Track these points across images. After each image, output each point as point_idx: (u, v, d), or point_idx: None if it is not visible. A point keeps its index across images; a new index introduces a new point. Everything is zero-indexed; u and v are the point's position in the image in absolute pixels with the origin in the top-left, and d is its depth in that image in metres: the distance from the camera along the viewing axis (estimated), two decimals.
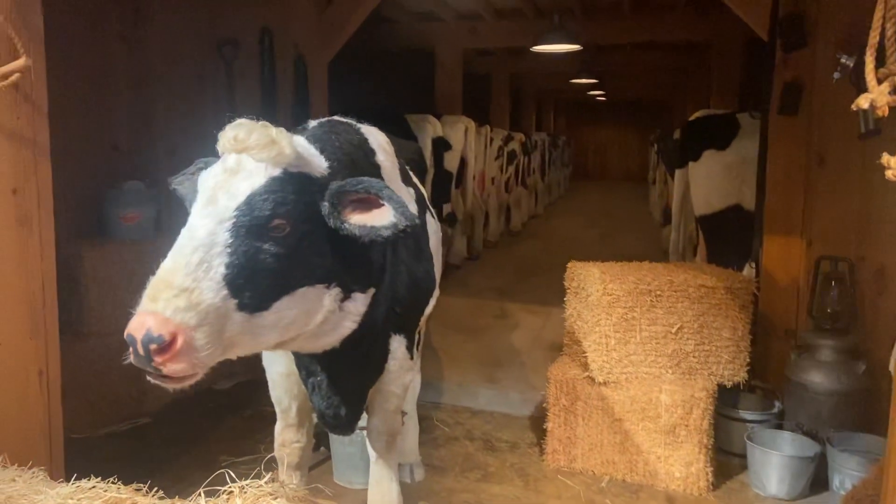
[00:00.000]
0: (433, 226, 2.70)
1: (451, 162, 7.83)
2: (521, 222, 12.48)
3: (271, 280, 1.69)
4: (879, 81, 1.55)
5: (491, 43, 10.60)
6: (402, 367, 2.46)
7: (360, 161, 2.13)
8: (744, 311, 3.65)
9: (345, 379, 2.24)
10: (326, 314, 1.89)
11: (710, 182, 5.41)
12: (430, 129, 7.30)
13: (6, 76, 2.31)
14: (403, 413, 3.02)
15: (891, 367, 2.64)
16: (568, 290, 3.93)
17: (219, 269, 1.62)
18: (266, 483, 1.77)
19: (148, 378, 1.61)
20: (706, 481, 3.50)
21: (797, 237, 4.13)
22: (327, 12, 5.41)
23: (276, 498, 1.71)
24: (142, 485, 1.87)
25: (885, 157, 1.47)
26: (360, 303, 2.01)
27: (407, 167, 2.74)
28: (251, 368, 3.45)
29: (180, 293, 1.55)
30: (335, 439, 3.51)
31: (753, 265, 4.33)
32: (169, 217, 4.45)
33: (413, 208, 2.44)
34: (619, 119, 27.62)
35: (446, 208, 7.96)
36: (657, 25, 9.18)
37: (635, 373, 3.62)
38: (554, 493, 3.53)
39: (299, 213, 1.74)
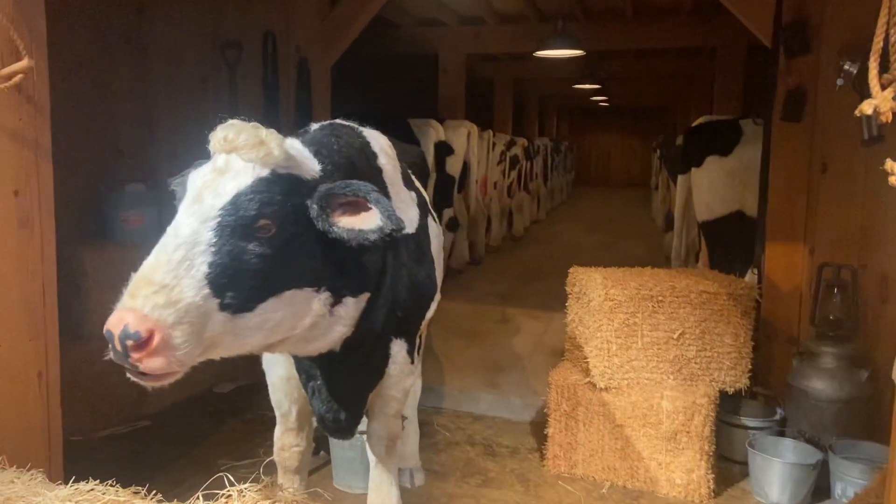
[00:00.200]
0: (435, 230, 2.70)
1: (453, 166, 7.84)
2: (523, 227, 12.47)
3: (256, 281, 1.68)
4: (883, 87, 1.55)
5: (494, 48, 10.61)
6: (402, 372, 2.45)
7: (360, 164, 2.13)
8: (746, 317, 3.64)
9: (345, 383, 2.23)
10: (316, 318, 1.87)
11: (712, 188, 5.41)
12: (432, 133, 7.30)
13: (8, 77, 2.32)
14: (404, 417, 3.01)
15: (893, 375, 2.63)
16: (569, 296, 3.92)
17: (201, 267, 1.60)
18: (264, 487, 1.76)
19: (128, 375, 1.59)
20: (707, 488, 3.49)
21: (800, 244, 4.12)
22: (331, 16, 5.42)
23: (274, 502, 1.71)
24: (140, 487, 1.87)
25: (889, 163, 1.46)
26: (351, 307, 1.99)
27: (409, 171, 2.74)
28: (252, 372, 3.45)
29: (160, 290, 1.54)
30: (335, 443, 3.50)
31: (756, 271, 4.32)
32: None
33: (414, 212, 2.45)
34: (621, 125, 27.62)
35: (448, 213, 7.96)
36: (660, 31, 9.19)
37: (636, 378, 3.61)
38: (554, 498, 3.51)
39: (286, 215, 1.73)
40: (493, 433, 4.29)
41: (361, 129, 2.38)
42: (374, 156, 2.31)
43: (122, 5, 4.78)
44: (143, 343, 1.49)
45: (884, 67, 1.59)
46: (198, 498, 1.72)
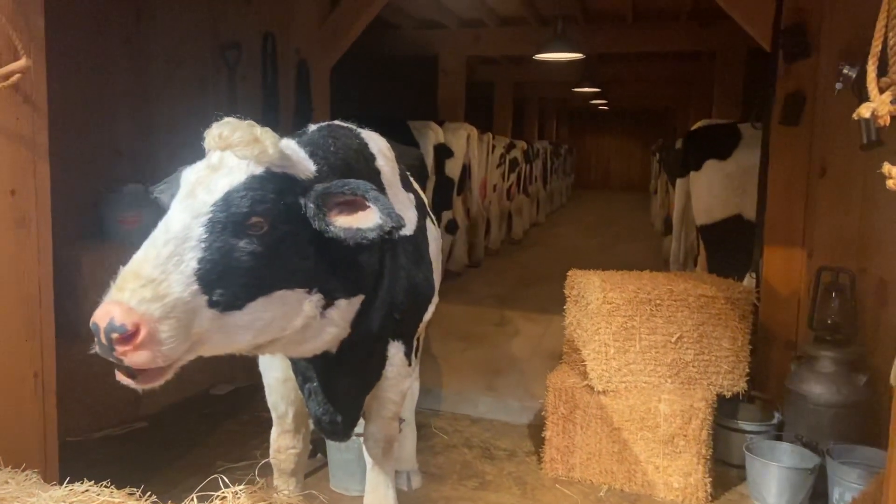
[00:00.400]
0: (433, 232, 2.69)
1: (452, 169, 7.84)
2: (522, 230, 12.47)
3: (246, 279, 1.66)
4: (881, 91, 1.55)
5: (494, 50, 10.61)
6: (399, 374, 2.44)
7: (357, 165, 2.12)
8: (744, 321, 3.64)
9: (342, 385, 2.23)
10: (306, 320, 1.85)
11: (711, 192, 5.41)
12: (431, 135, 7.31)
13: (6, 77, 2.31)
14: (401, 420, 3.01)
15: (892, 380, 2.62)
16: (568, 299, 3.92)
17: (190, 263, 1.59)
18: (259, 488, 1.76)
19: (117, 377, 1.58)
20: (704, 492, 3.48)
21: (798, 248, 4.12)
22: (330, 18, 5.42)
23: (268, 503, 1.70)
24: (135, 489, 1.86)
25: (886, 167, 1.46)
26: (344, 310, 1.97)
27: (408, 173, 2.73)
28: (249, 374, 3.44)
29: (147, 284, 1.52)
30: (332, 446, 3.50)
31: (754, 275, 4.32)
32: None
33: (412, 214, 2.45)
34: (621, 128, 27.64)
35: (447, 215, 7.96)
36: (660, 35, 9.20)
37: (634, 382, 3.61)
38: (551, 501, 3.51)
39: (279, 213, 1.72)
40: (490, 436, 4.29)
41: (359, 130, 2.37)
42: (372, 157, 2.30)
43: (122, 6, 4.77)
44: (128, 336, 1.48)
45: (882, 71, 1.59)
46: (192, 499, 1.71)
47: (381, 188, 2.21)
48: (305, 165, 1.87)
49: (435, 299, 2.68)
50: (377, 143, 2.40)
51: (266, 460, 2.67)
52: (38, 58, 2.46)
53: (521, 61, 12.29)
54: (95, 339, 1.51)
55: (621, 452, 3.59)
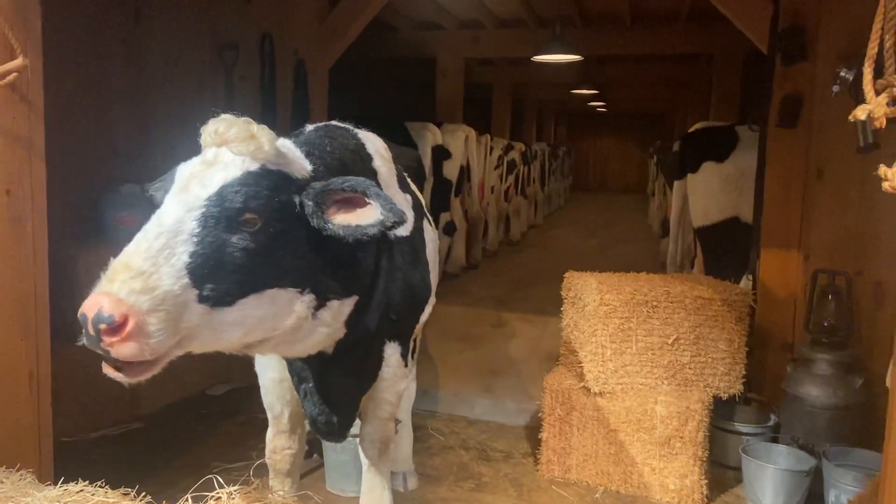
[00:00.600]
0: (430, 233, 2.69)
1: (450, 170, 7.83)
2: (520, 232, 12.47)
3: (238, 275, 1.65)
4: (878, 93, 1.55)
5: (492, 52, 10.62)
6: (396, 375, 2.44)
7: (354, 166, 2.12)
8: (740, 323, 3.64)
9: (337, 385, 2.22)
10: (298, 321, 1.83)
11: (708, 194, 5.41)
12: (429, 137, 7.31)
13: (3, 76, 2.31)
14: (397, 421, 3.00)
15: (888, 382, 2.63)
16: (565, 300, 3.92)
17: (182, 256, 1.58)
18: (254, 489, 1.75)
19: (104, 370, 1.57)
20: (701, 494, 3.48)
21: (795, 250, 4.12)
22: (329, 19, 5.42)
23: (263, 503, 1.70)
24: (130, 489, 1.86)
25: (882, 169, 1.46)
26: (336, 311, 1.95)
27: (405, 174, 2.73)
28: (246, 374, 3.44)
29: (137, 276, 1.51)
30: (328, 447, 3.49)
31: (750, 277, 4.32)
32: None
33: (409, 215, 2.44)
34: (619, 130, 27.68)
35: (445, 217, 7.95)
36: (658, 37, 9.22)
37: (631, 383, 3.61)
38: (548, 503, 3.50)
39: (273, 211, 1.71)
40: (487, 437, 4.28)
41: (357, 131, 2.37)
42: (369, 158, 2.30)
43: (120, 6, 4.77)
44: (116, 328, 1.46)
45: (878, 73, 1.59)
46: (187, 500, 1.71)
47: None
48: (301, 164, 1.87)
49: (432, 300, 2.68)
50: (374, 144, 2.40)
51: (262, 461, 2.66)
52: (35, 57, 2.46)
53: (519, 63, 12.30)
54: (83, 330, 1.49)
55: (618, 454, 3.59)
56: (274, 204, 1.72)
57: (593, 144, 28.66)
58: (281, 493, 2.15)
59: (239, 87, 5.24)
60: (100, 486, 1.86)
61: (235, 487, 1.75)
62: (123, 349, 1.49)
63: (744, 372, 3.68)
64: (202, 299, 1.60)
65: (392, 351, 2.38)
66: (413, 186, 2.77)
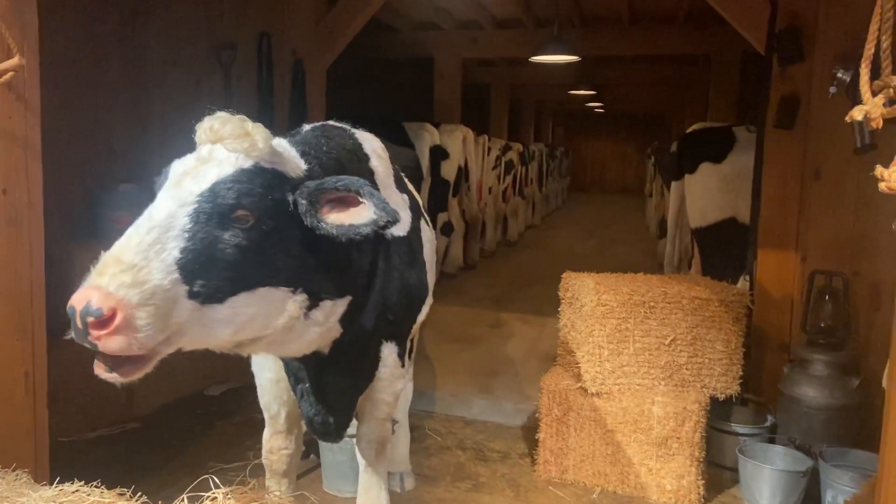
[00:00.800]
0: (427, 233, 2.69)
1: (448, 171, 7.83)
2: (517, 232, 12.48)
3: (229, 272, 1.64)
4: (874, 93, 1.55)
5: (490, 53, 10.63)
6: (393, 375, 2.44)
7: (351, 166, 2.11)
8: (737, 323, 3.64)
9: (334, 386, 2.22)
10: (289, 320, 1.82)
11: (705, 195, 5.42)
12: (427, 137, 7.30)
13: None
14: (394, 421, 3.00)
15: (884, 383, 2.63)
16: (562, 301, 3.92)
17: (172, 251, 1.57)
18: (250, 489, 1.75)
19: (97, 372, 1.56)
20: (697, 494, 3.48)
21: (792, 251, 4.13)
22: (326, 18, 5.42)
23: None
24: (125, 489, 1.85)
25: (879, 170, 1.46)
26: (329, 311, 1.94)
27: (402, 174, 2.73)
28: (243, 375, 3.43)
29: (127, 269, 1.50)
30: (325, 447, 3.49)
31: (748, 278, 4.33)
32: None
33: (406, 215, 2.44)
34: (617, 131, 27.69)
35: (443, 217, 7.95)
36: (656, 38, 9.23)
37: (628, 384, 3.61)
38: None
39: (266, 208, 1.70)
40: (484, 438, 4.28)
41: (354, 131, 2.37)
42: (366, 158, 2.30)
43: (117, 5, 4.76)
44: (104, 321, 1.45)
45: (875, 74, 1.59)
46: (182, 500, 1.70)
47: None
48: (296, 163, 1.86)
49: (429, 301, 2.67)
50: (371, 144, 2.40)
51: (258, 461, 2.66)
52: (31, 56, 2.45)
53: (517, 63, 12.31)
54: (71, 324, 1.48)
55: (614, 455, 3.59)
56: (267, 202, 1.71)
57: (591, 145, 28.68)
58: (277, 493, 2.15)
59: (236, 87, 5.24)
60: (96, 487, 1.86)
61: (231, 488, 1.75)
62: (111, 343, 1.48)
63: (741, 372, 3.68)
64: (192, 295, 1.59)
65: (389, 351, 2.38)
66: (410, 187, 2.77)
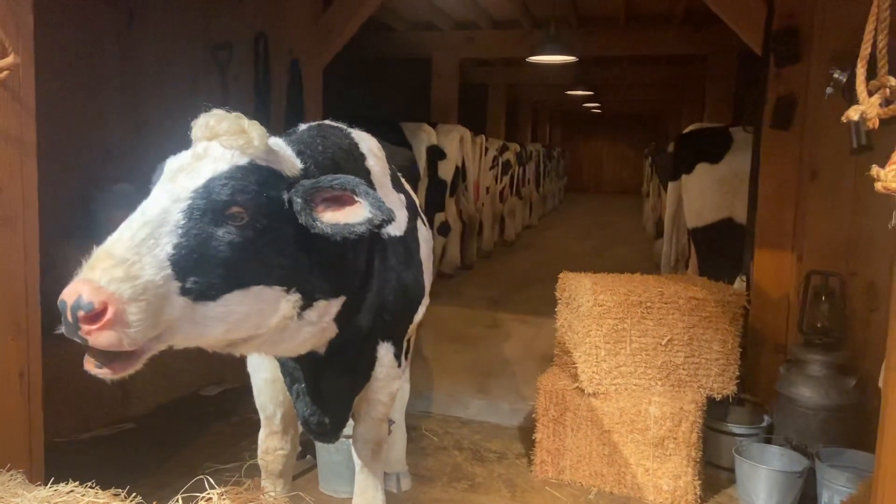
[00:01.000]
0: (424, 233, 2.68)
1: (445, 171, 7.82)
2: (514, 233, 12.47)
3: (222, 269, 1.63)
4: (870, 93, 1.55)
5: (487, 53, 10.63)
6: (389, 375, 2.43)
7: (347, 165, 2.11)
8: (734, 324, 3.64)
9: (330, 386, 2.21)
10: (283, 320, 1.80)
11: (702, 195, 5.42)
12: (424, 137, 7.29)
13: None
14: (391, 422, 2.99)
15: (880, 383, 2.63)
16: (559, 301, 3.92)
17: (165, 247, 1.56)
18: (246, 489, 1.74)
19: (87, 368, 1.55)
20: (694, 495, 3.48)
21: (788, 251, 4.13)
22: (323, 18, 5.41)
23: None
24: (120, 490, 1.84)
25: (874, 169, 1.46)
26: (322, 311, 1.93)
27: (399, 174, 2.72)
28: (239, 375, 3.42)
29: (119, 264, 1.49)
30: (321, 448, 3.48)
31: (744, 278, 4.33)
32: None
33: (403, 215, 2.44)
34: (614, 131, 27.71)
35: (440, 217, 7.95)
36: (653, 38, 9.23)
37: (625, 384, 3.61)
38: None
39: (260, 206, 1.69)
40: (481, 438, 4.28)
41: (350, 130, 2.36)
42: (362, 157, 2.29)
43: (114, 5, 4.75)
44: (95, 315, 1.44)
45: (871, 74, 1.59)
46: (177, 500, 1.70)
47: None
48: (292, 162, 1.86)
49: (425, 301, 2.67)
50: (368, 144, 2.39)
51: (254, 462, 2.65)
52: (26, 55, 2.44)
53: (514, 64, 12.31)
54: (62, 318, 1.47)
55: (611, 455, 3.59)
56: (262, 199, 1.70)
57: (588, 145, 28.69)
58: (272, 493, 2.14)
59: (233, 87, 5.23)
60: (90, 487, 1.85)
61: (226, 488, 1.74)
62: (102, 338, 1.47)
63: (737, 373, 3.69)
64: (185, 292, 1.58)
65: (385, 351, 2.37)
66: (407, 186, 2.77)
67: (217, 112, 1.75)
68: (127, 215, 1.66)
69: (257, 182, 1.70)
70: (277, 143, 1.89)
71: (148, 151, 4.91)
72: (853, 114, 1.55)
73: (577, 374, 3.66)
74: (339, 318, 2.03)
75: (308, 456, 3.72)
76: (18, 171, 2.44)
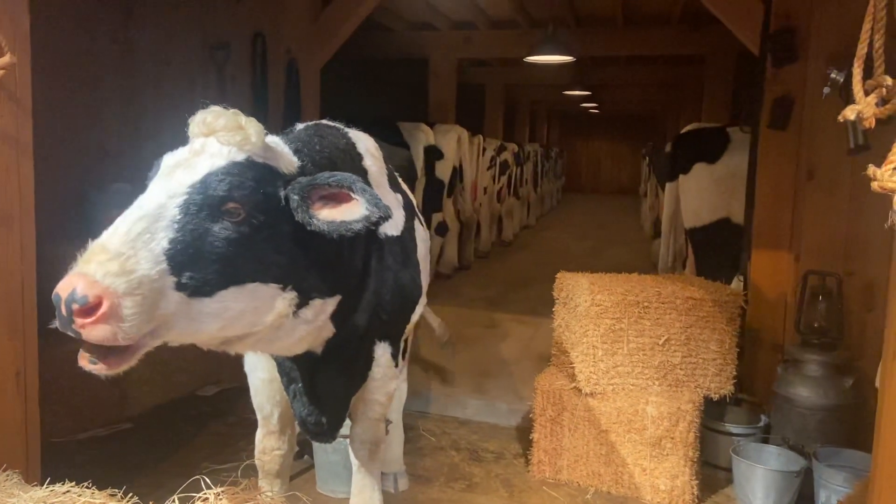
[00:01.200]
0: (421, 233, 2.68)
1: (442, 171, 7.83)
2: (512, 233, 12.48)
3: (218, 265, 1.62)
4: (867, 93, 1.55)
5: (485, 53, 10.63)
6: (386, 375, 2.43)
7: (343, 165, 2.10)
8: (731, 324, 3.64)
9: (327, 386, 2.21)
10: (278, 318, 1.79)
11: (699, 195, 5.42)
12: (422, 137, 7.30)
13: None
14: (388, 422, 2.99)
15: (877, 383, 2.63)
16: (557, 301, 3.91)
17: (161, 242, 1.55)
18: (242, 489, 1.74)
19: (80, 363, 1.54)
20: (691, 494, 3.48)
21: (785, 251, 4.13)
22: (321, 18, 5.41)
23: None
24: (116, 490, 1.84)
25: (871, 169, 1.46)
26: (318, 309, 1.92)
27: (396, 174, 2.72)
28: (236, 375, 3.42)
29: (114, 258, 1.48)
30: (319, 447, 3.48)
31: (742, 278, 4.33)
32: None
33: (400, 214, 2.44)
34: (612, 131, 27.74)
35: (438, 217, 7.95)
36: (650, 39, 9.25)
37: (622, 384, 3.61)
38: None
39: (257, 202, 1.68)
40: (478, 438, 4.28)
41: (347, 130, 2.36)
42: (359, 157, 2.29)
43: (110, 4, 4.74)
44: (89, 308, 1.43)
45: (868, 73, 1.59)
46: (173, 500, 1.69)
47: None
48: (289, 159, 1.85)
49: (423, 301, 2.66)
50: (365, 143, 2.39)
51: (251, 462, 2.65)
52: (23, 55, 2.43)
53: (512, 64, 12.31)
54: (56, 312, 1.46)
55: (608, 455, 3.59)
56: (258, 195, 1.69)
57: (586, 146, 28.71)
58: (269, 493, 2.14)
59: (230, 87, 5.23)
60: (86, 487, 1.84)
61: (223, 488, 1.73)
62: (96, 332, 1.45)
63: (734, 373, 3.69)
64: (180, 287, 1.57)
65: (382, 351, 2.37)
66: (404, 186, 2.76)
67: (214, 108, 1.75)
68: None
69: (254, 178, 1.70)
70: (275, 140, 1.89)
71: (145, 151, 4.93)
72: (849, 113, 1.55)
73: (574, 374, 3.66)
74: (336, 318, 2.03)
75: (305, 456, 3.72)
76: (15, 171, 2.44)
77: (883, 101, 1.55)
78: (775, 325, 4.16)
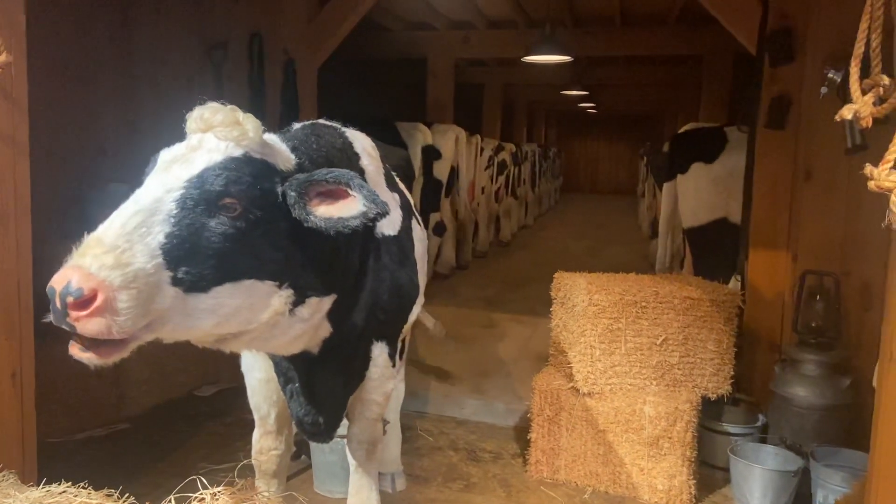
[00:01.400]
0: (419, 233, 2.68)
1: (440, 170, 7.82)
2: (510, 233, 12.48)
3: (214, 261, 1.61)
4: (864, 92, 1.55)
5: (483, 53, 10.63)
6: (383, 375, 2.43)
7: (341, 164, 2.09)
8: (729, 323, 3.65)
9: (324, 386, 2.21)
10: (274, 315, 1.79)
11: (697, 195, 5.43)
12: (420, 137, 7.29)
13: None
14: (385, 422, 2.99)
15: (874, 383, 2.64)
16: (554, 301, 3.91)
17: (157, 236, 1.55)
18: (239, 489, 1.74)
19: (71, 352, 1.52)
20: (689, 494, 3.48)
21: (783, 251, 4.13)
22: (318, 17, 5.41)
23: None
24: (113, 490, 1.84)
25: (868, 168, 1.46)
26: (314, 308, 1.92)
27: (393, 173, 2.72)
28: (234, 375, 3.42)
29: (109, 251, 1.48)
30: (316, 448, 3.47)
31: (739, 278, 4.33)
32: None
33: (397, 214, 2.43)
34: (609, 132, 27.76)
35: (435, 217, 7.94)
36: (648, 39, 9.25)
37: (619, 384, 3.61)
38: None
39: (254, 198, 1.68)
40: (476, 438, 4.27)
41: (344, 129, 2.36)
42: (356, 156, 2.29)
43: (107, 3, 4.73)
44: (84, 301, 1.42)
45: (865, 73, 1.59)
46: (170, 501, 1.69)
47: None
48: (286, 156, 1.85)
49: (420, 300, 2.66)
50: (362, 143, 2.39)
51: (248, 462, 2.65)
52: (18, 54, 2.43)
53: (509, 64, 12.32)
54: (50, 305, 1.45)
55: (606, 454, 3.59)
56: (255, 191, 1.68)
57: (584, 146, 28.73)
58: (265, 493, 2.13)
59: (228, 86, 5.22)
60: (83, 488, 1.84)
61: (219, 488, 1.73)
62: (90, 325, 1.45)
63: (732, 372, 3.69)
64: (175, 282, 1.57)
65: (379, 351, 2.37)
66: (402, 186, 2.76)
67: (212, 104, 1.74)
68: None
69: (251, 174, 1.69)
70: (272, 137, 1.89)
71: (142, 151, 4.89)
72: (847, 112, 1.55)
73: (572, 374, 3.66)
74: (333, 317, 2.03)
75: (302, 456, 3.71)
76: (11, 171, 2.43)
77: (880, 100, 1.55)
78: (773, 325, 4.16)
